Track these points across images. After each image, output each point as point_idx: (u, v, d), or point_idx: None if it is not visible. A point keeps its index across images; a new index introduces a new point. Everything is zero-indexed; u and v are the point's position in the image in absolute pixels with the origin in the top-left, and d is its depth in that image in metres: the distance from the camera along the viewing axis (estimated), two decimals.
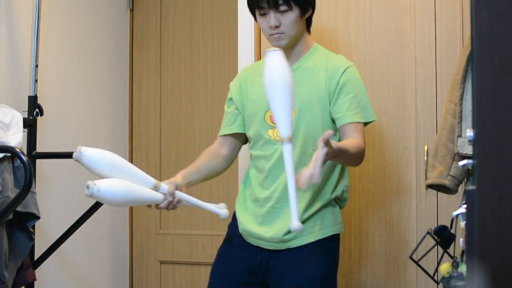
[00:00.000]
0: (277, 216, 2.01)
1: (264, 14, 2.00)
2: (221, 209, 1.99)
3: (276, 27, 1.99)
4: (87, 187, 1.73)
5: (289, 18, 1.99)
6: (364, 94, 2.04)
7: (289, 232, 1.95)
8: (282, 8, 1.97)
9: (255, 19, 2.09)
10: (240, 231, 2.08)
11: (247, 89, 2.13)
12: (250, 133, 2.11)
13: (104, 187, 1.75)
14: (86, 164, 1.78)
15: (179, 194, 1.93)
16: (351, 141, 1.89)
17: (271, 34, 2.01)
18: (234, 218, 2.14)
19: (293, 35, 2.02)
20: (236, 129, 2.15)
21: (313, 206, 2.01)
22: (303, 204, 1.98)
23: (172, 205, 1.93)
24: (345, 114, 1.97)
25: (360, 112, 2.00)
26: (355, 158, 1.92)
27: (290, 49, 2.06)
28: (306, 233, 1.99)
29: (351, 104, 1.98)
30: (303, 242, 2.00)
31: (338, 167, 2.06)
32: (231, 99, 2.18)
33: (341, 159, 1.89)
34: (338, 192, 2.05)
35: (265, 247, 2.02)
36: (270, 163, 2.02)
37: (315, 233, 2.01)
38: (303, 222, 1.92)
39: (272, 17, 1.98)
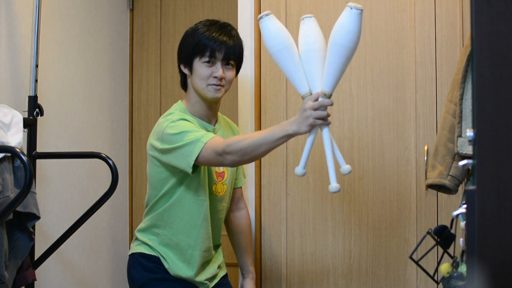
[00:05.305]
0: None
1: (210, 63, 2.00)
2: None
3: (222, 78, 2.00)
4: (266, 14, 1.79)
5: (231, 74, 2.05)
6: None
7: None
8: (231, 63, 2.03)
9: (186, 64, 2.04)
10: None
11: None
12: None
13: (275, 23, 1.78)
14: (262, 28, 1.79)
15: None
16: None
17: (212, 84, 2.00)
18: None
19: (226, 91, 2.06)
20: None
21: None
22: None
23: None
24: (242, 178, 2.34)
25: None
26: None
27: (215, 106, 2.09)
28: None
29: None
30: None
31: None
32: None
33: None
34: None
35: None
36: None
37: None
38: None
39: (221, 68, 2.00)
